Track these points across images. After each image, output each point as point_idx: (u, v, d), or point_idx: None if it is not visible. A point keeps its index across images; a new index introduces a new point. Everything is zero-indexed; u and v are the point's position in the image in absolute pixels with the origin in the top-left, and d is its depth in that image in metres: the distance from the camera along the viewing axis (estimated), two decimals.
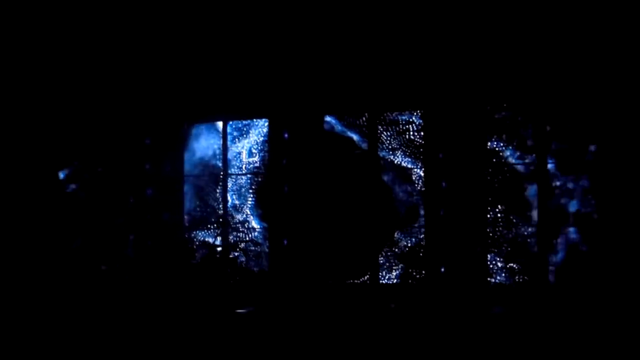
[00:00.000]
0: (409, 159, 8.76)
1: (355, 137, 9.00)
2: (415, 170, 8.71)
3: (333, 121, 9.08)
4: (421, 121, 8.70)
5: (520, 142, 8.31)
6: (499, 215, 8.34)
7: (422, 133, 8.69)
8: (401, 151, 8.79)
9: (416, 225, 8.69)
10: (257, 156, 9.47)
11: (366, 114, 8.90)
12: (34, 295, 9.50)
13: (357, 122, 8.96)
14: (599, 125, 7.99)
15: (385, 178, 8.82)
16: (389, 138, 8.83)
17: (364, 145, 8.92)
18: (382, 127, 8.84)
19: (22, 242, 9.66)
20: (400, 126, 8.81)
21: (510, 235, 8.30)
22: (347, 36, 8.98)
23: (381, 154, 8.84)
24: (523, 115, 8.30)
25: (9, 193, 9.73)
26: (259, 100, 9.37)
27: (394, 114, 8.83)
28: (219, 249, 9.28)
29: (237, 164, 9.56)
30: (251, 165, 9.49)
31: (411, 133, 8.75)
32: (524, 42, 8.28)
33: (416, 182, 8.71)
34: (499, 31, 8.37)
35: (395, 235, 8.78)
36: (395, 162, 8.80)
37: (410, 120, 8.78)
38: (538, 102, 8.25)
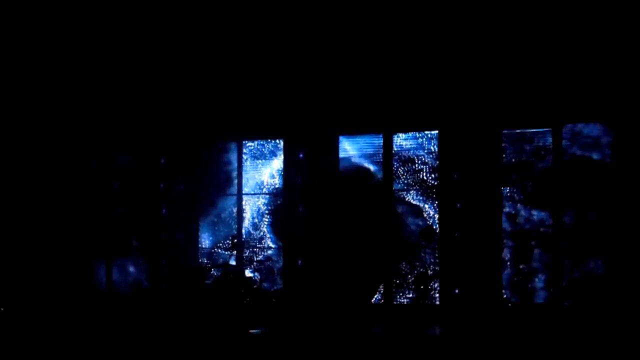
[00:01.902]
0: (422, 197, 8.95)
1: (372, 167, 9.13)
2: (429, 201, 8.90)
3: (353, 151, 9.20)
4: (437, 162, 8.84)
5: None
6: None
7: (435, 174, 8.87)
8: (416, 187, 8.98)
9: (430, 246, 8.89)
10: (276, 178, 9.58)
11: (382, 136, 9.01)
12: (43, 311, 9.70)
13: (374, 157, 9.12)
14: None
15: (399, 207, 9.01)
16: (405, 173, 8.98)
17: (380, 176, 9.06)
18: (397, 164, 8.99)
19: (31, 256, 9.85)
20: (416, 165, 8.97)
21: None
22: (362, 59, 8.98)
23: (396, 186, 8.99)
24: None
25: (28, 208, 9.83)
26: (274, 121, 9.43)
27: (410, 152, 8.93)
28: (234, 268, 9.44)
29: (256, 185, 9.67)
30: (270, 186, 9.61)
31: (424, 173, 8.93)
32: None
33: (429, 207, 8.90)
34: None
35: (408, 257, 8.99)
36: (408, 198, 8.99)
37: (426, 161, 8.92)
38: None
